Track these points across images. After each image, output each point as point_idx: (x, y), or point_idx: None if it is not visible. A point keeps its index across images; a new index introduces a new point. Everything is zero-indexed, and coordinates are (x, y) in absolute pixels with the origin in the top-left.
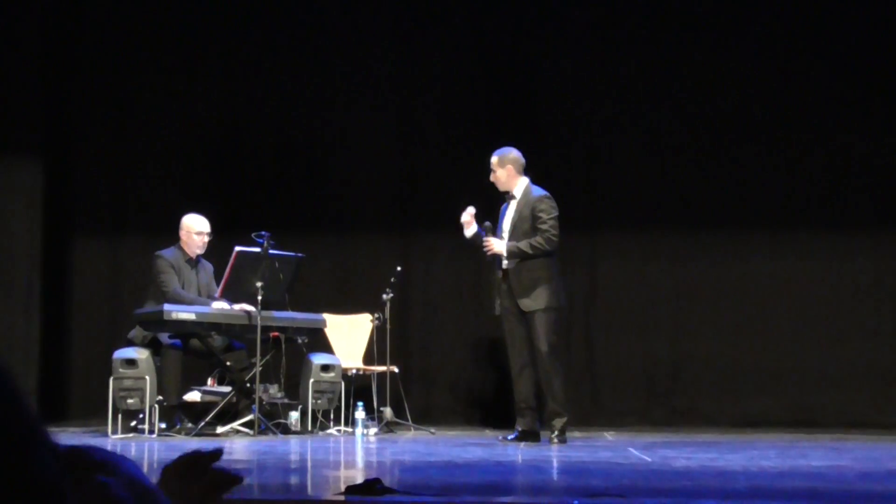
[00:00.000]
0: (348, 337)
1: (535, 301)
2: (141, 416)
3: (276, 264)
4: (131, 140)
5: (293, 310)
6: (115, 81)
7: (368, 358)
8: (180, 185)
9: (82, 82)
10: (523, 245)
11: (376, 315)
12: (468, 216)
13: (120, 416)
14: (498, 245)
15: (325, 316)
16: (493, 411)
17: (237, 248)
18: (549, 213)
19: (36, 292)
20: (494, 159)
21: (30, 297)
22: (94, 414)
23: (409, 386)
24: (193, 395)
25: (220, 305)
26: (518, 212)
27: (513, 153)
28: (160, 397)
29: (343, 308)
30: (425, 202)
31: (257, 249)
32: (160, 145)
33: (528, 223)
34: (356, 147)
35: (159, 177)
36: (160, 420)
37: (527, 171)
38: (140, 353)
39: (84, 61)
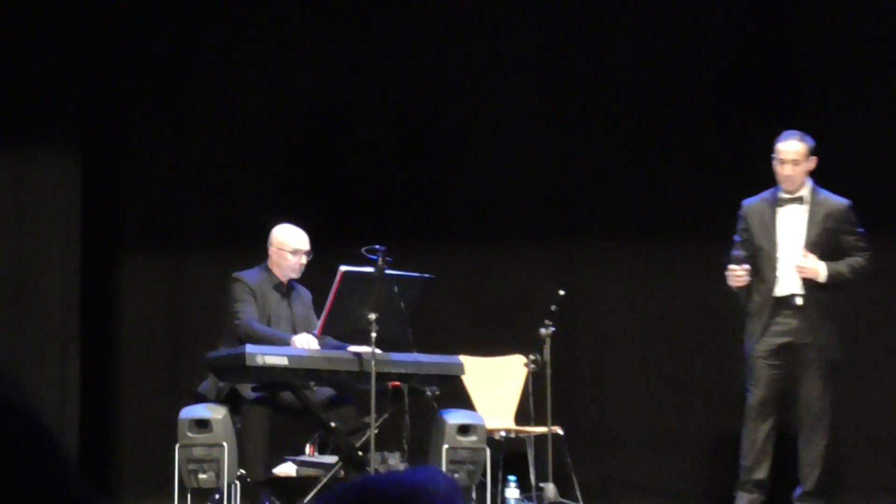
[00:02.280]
0: (494, 387)
1: (832, 341)
2: (217, 496)
3: (396, 289)
4: (196, 128)
5: (419, 351)
6: (173, 53)
7: (522, 415)
8: (263, 186)
9: (131, 55)
10: (843, 268)
11: (532, 356)
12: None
13: (189, 495)
14: (821, 267)
15: (463, 359)
16: (698, 485)
17: (342, 269)
18: (857, 228)
19: (74, 329)
20: (800, 148)
21: (66, 335)
22: (152, 492)
23: (580, 453)
24: (286, 468)
25: (309, 342)
26: (816, 223)
27: (812, 143)
28: (242, 471)
29: (486, 348)
30: (595, 201)
31: (369, 270)
32: (234, 135)
33: (832, 237)
34: (500, 132)
35: (234, 175)
36: (243, 501)
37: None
38: (215, 412)
39: (134, 30)
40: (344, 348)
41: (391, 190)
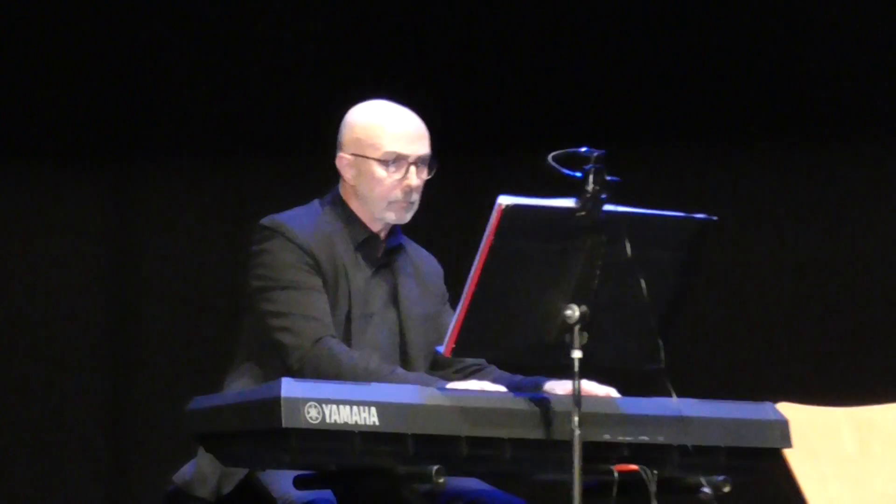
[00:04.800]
0: (860, 470)
1: None
2: None
3: (629, 247)
4: None
5: (684, 392)
6: None
7: None
8: (319, 29)
9: None
10: None
11: None
12: None
13: None
14: None
15: (786, 409)
16: None
17: (503, 202)
18: None
19: None
20: None
21: None
22: None
23: None
24: None
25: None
26: None
27: None
28: None
29: (839, 387)
30: None
31: (566, 203)
32: None
33: None
34: None
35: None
36: None
37: None
38: None
39: None
40: (519, 384)
41: (609, 41)
